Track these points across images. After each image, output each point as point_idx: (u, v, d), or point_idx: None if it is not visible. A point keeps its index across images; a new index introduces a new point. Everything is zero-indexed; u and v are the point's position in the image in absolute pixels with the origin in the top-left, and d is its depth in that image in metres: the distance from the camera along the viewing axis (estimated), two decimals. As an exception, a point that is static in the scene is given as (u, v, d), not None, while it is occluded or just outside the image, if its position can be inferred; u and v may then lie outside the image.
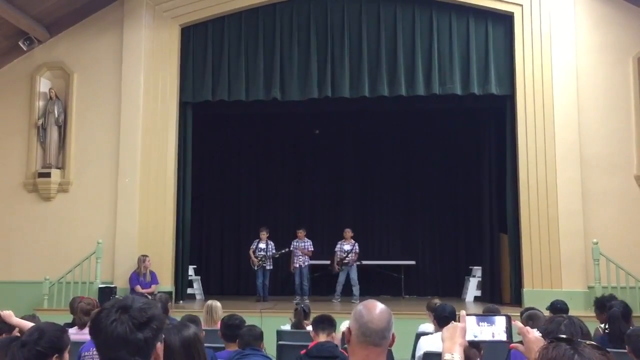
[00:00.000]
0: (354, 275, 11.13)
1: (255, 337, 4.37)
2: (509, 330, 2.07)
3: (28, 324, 3.07)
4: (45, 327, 2.43)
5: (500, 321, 2.07)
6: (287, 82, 10.52)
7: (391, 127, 13.13)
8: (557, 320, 2.77)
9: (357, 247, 11.24)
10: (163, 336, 1.82)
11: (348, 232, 11.34)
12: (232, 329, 4.71)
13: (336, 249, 11.33)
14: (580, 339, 1.66)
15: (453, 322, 2.09)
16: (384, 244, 13.56)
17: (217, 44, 10.81)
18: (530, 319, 4.14)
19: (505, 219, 10.54)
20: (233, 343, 4.60)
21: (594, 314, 8.31)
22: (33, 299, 9.81)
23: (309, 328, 6.05)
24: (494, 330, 2.07)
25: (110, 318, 1.74)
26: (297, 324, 6.15)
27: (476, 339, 2.07)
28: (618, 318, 4.59)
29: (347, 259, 11.11)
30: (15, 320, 3.48)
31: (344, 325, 4.88)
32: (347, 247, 11.23)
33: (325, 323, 4.70)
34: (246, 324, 4.73)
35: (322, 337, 4.59)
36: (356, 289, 11.09)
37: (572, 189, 9.77)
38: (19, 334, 3.39)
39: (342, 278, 11.20)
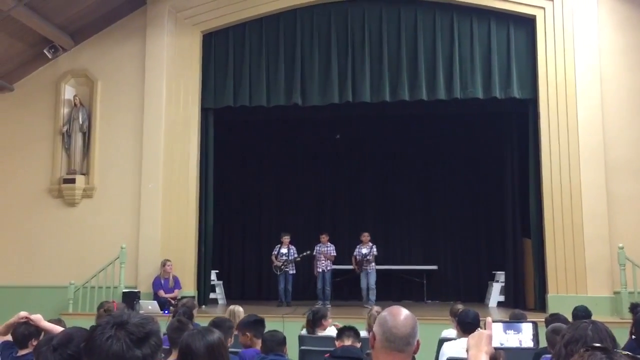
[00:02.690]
0: (372, 280, 11.10)
1: (278, 343, 4.39)
2: (536, 337, 2.04)
3: (57, 328, 3.11)
4: (74, 332, 2.45)
5: (527, 328, 2.05)
6: (308, 87, 10.54)
7: (412, 131, 13.07)
8: (582, 327, 2.72)
9: (374, 250, 11.19)
10: (162, 355, 1.72)
11: (365, 236, 11.31)
12: (259, 325, 4.76)
13: (355, 253, 11.31)
14: (608, 346, 1.63)
15: (479, 329, 2.07)
16: (405, 249, 13.51)
17: (238, 50, 10.88)
18: (555, 332, 4.05)
19: (528, 223, 10.43)
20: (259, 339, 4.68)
21: (620, 320, 8.24)
22: (58, 304, 9.93)
23: (326, 332, 6.05)
24: (521, 337, 2.04)
25: (105, 335, 1.61)
26: (308, 330, 6.15)
27: (503, 347, 2.05)
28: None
29: (365, 260, 11.10)
30: (45, 324, 3.53)
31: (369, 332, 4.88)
32: (364, 250, 11.22)
33: (350, 331, 4.74)
34: (267, 330, 4.75)
35: (347, 343, 4.61)
36: (373, 294, 11.05)
37: (596, 193, 9.64)
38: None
39: (364, 283, 11.17)
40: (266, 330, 4.74)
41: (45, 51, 10.98)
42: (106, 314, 4.89)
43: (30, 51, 11.07)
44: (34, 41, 10.82)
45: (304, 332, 6.24)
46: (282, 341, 4.44)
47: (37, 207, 10.99)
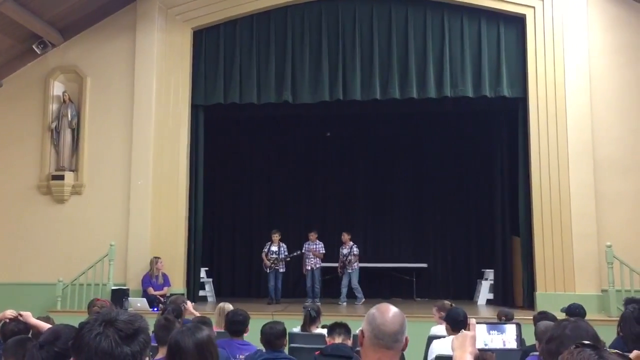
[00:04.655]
0: (354, 279, 11.13)
1: (276, 336, 4.39)
2: (519, 338, 2.06)
3: (45, 325, 3.11)
4: (61, 329, 2.45)
5: (510, 329, 2.07)
6: (299, 85, 10.54)
7: (403, 129, 13.10)
8: (562, 325, 2.75)
9: (355, 250, 11.21)
10: (151, 353, 1.70)
11: (345, 236, 11.33)
12: (237, 324, 4.82)
13: (340, 254, 11.37)
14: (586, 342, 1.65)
15: (463, 330, 2.09)
16: (395, 247, 13.54)
17: (228, 47, 10.85)
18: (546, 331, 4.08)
19: (517, 221, 10.48)
20: (238, 337, 4.79)
21: (607, 318, 8.31)
22: (46, 301, 9.88)
23: (317, 331, 6.05)
24: (505, 338, 2.07)
25: (93, 332, 1.60)
26: (304, 327, 6.15)
27: (487, 347, 2.07)
28: (629, 320, 4.56)
29: (346, 262, 11.12)
30: (34, 320, 3.53)
31: (358, 330, 4.89)
32: (345, 250, 11.24)
33: (341, 328, 4.75)
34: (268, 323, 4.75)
35: (338, 340, 4.62)
36: (358, 292, 11.09)
37: (585, 191, 9.71)
38: (30, 336, 3.44)
39: (345, 281, 11.20)
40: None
41: (34, 47, 10.89)
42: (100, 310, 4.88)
43: (19, 47, 10.98)
44: (22, 37, 10.74)
45: (297, 329, 6.25)
46: (280, 334, 4.43)
47: (26, 203, 10.92)
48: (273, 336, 4.39)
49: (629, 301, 5.88)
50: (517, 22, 10.34)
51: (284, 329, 4.52)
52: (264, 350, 4.45)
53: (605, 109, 9.94)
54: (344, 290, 11.18)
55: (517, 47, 10.32)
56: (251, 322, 5.08)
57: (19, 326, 3.64)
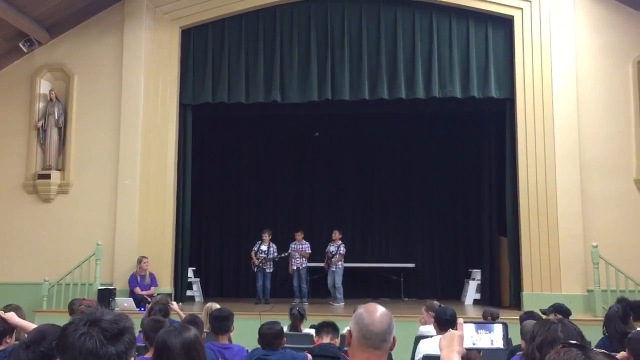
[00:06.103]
0: (338, 278, 11.09)
1: (274, 336, 4.42)
2: (506, 337, 2.08)
3: (31, 325, 3.09)
4: (47, 329, 2.44)
5: (498, 329, 2.08)
6: (287, 84, 10.53)
7: (391, 129, 13.13)
8: (552, 328, 2.76)
9: (342, 249, 11.20)
10: (137, 353, 1.69)
11: (336, 234, 11.34)
12: (221, 320, 4.81)
13: (326, 250, 11.37)
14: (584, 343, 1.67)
15: (451, 329, 2.10)
16: (383, 247, 13.57)
17: (217, 46, 10.83)
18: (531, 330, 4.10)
19: (504, 221, 10.54)
20: (223, 335, 4.76)
21: (593, 318, 8.38)
22: (32, 301, 9.79)
23: (305, 330, 6.06)
24: (492, 337, 2.08)
25: (78, 332, 1.59)
26: (293, 327, 6.17)
27: (474, 347, 2.08)
28: (614, 319, 4.60)
29: (332, 259, 11.12)
30: (18, 320, 3.50)
31: (346, 329, 4.89)
32: (332, 248, 11.25)
33: (329, 327, 4.75)
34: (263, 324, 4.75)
35: (325, 340, 4.63)
36: (339, 292, 11.00)
37: (571, 192, 9.78)
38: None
39: (330, 281, 11.19)
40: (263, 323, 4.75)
41: (20, 45, 10.78)
42: (87, 309, 4.83)
43: (5, 45, 10.88)
44: (9, 34, 10.64)
45: (285, 329, 6.24)
46: (279, 334, 4.47)
47: (11, 202, 10.83)
48: (272, 336, 4.42)
49: (620, 301, 5.94)
50: (505, 24, 10.39)
51: (282, 329, 4.56)
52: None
53: (592, 110, 10.01)
54: (333, 290, 11.17)
55: (505, 48, 10.38)
56: (240, 322, 5.08)
57: (3, 326, 3.60)
